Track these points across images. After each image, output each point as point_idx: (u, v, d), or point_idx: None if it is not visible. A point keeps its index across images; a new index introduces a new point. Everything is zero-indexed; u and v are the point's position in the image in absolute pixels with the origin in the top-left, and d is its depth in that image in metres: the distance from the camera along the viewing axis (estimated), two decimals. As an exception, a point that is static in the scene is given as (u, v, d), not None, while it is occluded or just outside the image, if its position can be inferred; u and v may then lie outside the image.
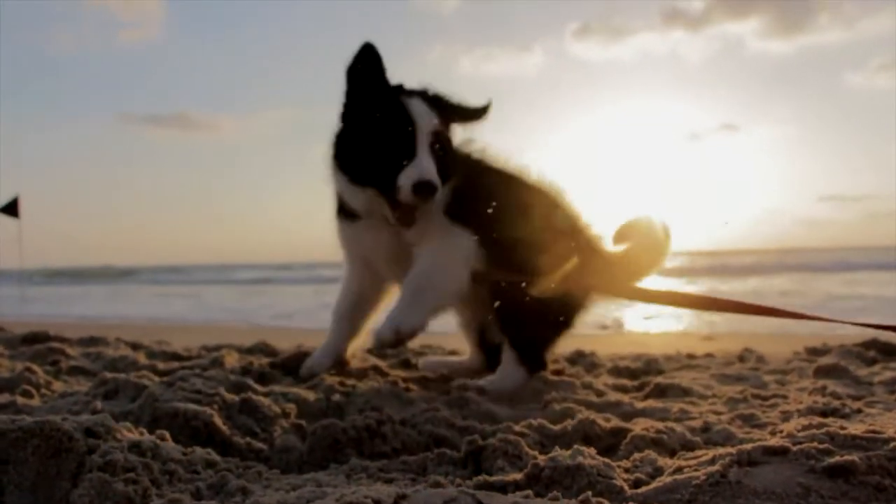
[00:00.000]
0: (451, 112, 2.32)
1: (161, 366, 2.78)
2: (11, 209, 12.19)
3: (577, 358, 3.19)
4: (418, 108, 2.19)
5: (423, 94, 2.27)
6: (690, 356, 3.46)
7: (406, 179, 2.10)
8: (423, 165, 2.11)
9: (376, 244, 2.40)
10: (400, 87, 2.27)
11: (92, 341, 3.58)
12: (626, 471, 1.43)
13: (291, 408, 2.00)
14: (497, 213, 2.30)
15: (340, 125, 2.31)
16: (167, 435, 1.61)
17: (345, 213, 2.44)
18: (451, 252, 2.29)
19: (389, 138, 2.16)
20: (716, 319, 6.31)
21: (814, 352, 3.45)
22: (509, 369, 2.42)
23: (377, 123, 2.18)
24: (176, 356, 3.19)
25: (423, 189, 2.09)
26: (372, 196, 2.24)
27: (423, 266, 2.28)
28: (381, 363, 2.92)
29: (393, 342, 2.19)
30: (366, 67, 2.21)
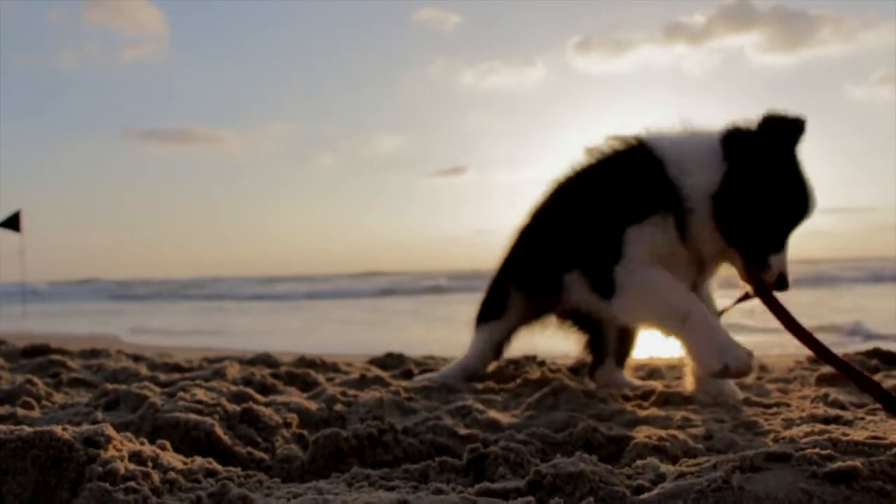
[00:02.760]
0: None
1: (162, 377, 2.78)
2: (13, 223, 12.19)
3: (580, 367, 3.18)
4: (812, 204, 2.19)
5: None
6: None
7: (776, 265, 2.18)
8: (785, 263, 2.20)
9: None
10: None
11: (93, 353, 3.58)
12: (629, 477, 1.42)
13: (293, 417, 2.00)
14: None
15: (738, 179, 2.19)
16: (168, 445, 1.60)
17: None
18: None
19: (784, 219, 2.18)
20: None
21: (816, 360, 3.44)
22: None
23: (780, 201, 2.17)
24: (177, 367, 3.19)
25: (782, 283, 2.19)
26: (731, 252, 2.25)
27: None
28: (384, 373, 2.92)
29: None
30: (787, 142, 2.18)
